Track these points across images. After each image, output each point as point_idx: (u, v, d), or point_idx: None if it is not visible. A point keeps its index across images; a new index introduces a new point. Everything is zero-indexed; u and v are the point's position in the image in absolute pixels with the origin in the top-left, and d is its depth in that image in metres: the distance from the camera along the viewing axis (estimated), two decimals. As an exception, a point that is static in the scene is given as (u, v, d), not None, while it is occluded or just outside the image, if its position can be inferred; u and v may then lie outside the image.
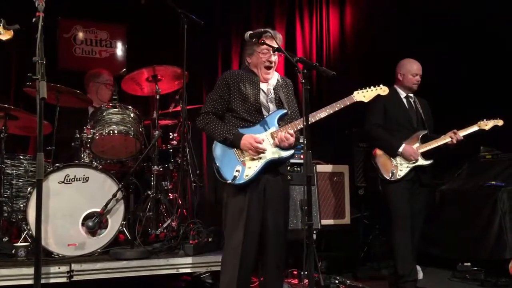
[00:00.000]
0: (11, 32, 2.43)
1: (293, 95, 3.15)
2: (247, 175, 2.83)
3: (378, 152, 3.92)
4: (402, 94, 4.03)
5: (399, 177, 3.80)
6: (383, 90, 3.07)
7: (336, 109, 2.90)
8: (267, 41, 2.86)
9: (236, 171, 2.83)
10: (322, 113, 2.88)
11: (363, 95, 2.99)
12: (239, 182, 2.83)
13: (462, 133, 3.85)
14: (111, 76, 4.60)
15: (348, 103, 2.94)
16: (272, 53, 2.93)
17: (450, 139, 3.82)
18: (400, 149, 3.80)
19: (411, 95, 4.04)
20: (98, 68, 4.77)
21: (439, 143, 3.85)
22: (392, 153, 3.84)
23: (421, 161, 3.82)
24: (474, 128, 3.89)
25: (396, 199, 3.81)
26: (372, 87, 3.04)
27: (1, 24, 2.36)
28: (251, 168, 2.85)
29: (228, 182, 2.83)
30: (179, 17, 3.86)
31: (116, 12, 5.41)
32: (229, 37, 5.90)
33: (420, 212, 3.90)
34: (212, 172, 5.20)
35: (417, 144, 3.85)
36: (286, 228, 3.01)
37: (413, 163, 3.80)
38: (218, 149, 2.93)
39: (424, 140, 3.88)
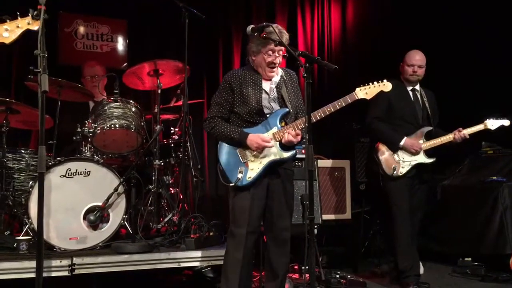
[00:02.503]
0: (39, 22, 2.39)
1: (298, 88, 3.13)
2: (249, 177, 2.87)
3: (381, 147, 3.87)
4: (408, 86, 3.94)
5: (400, 174, 3.77)
6: (386, 86, 2.99)
7: (338, 107, 2.89)
8: (270, 36, 2.84)
9: (240, 172, 2.87)
10: (323, 112, 2.87)
11: (365, 91, 2.94)
12: (242, 184, 2.87)
13: (468, 131, 3.77)
14: (102, 67, 4.57)
15: (350, 101, 2.91)
16: (277, 55, 2.92)
17: (454, 138, 3.75)
18: (402, 143, 3.75)
19: (417, 87, 3.95)
20: (89, 62, 4.70)
21: (443, 141, 3.78)
22: (393, 147, 3.79)
23: (424, 159, 3.78)
24: (480, 127, 3.82)
25: (396, 196, 3.79)
26: (375, 82, 2.98)
27: (29, 15, 2.33)
28: (254, 170, 2.88)
29: (231, 184, 2.87)
30: (180, 11, 3.85)
31: (117, 6, 5.40)
32: (230, 31, 5.89)
33: (419, 207, 3.88)
34: (213, 166, 5.23)
35: (421, 141, 3.81)
36: (290, 225, 3.03)
37: (416, 159, 3.75)
38: (223, 150, 2.96)
39: (429, 136, 3.83)
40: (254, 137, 2.87)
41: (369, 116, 3.89)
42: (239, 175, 2.86)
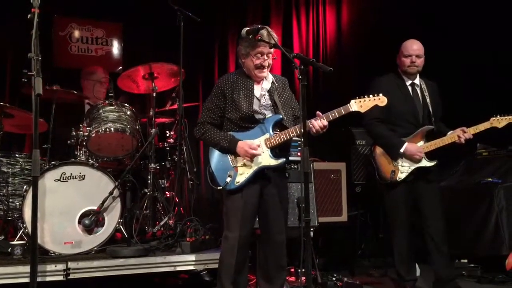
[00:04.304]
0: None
1: (290, 92, 3.13)
2: (238, 182, 2.87)
3: (378, 150, 3.68)
4: (407, 81, 3.67)
5: (399, 179, 3.56)
6: (381, 100, 2.96)
7: (331, 118, 2.89)
8: (264, 38, 2.85)
9: (228, 176, 2.87)
10: (316, 122, 2.85)
11: (360, 104, 2.94)
12: (230, 188, 2.88)
13: (473, 131, 3.52)
14: (106, 74, 4.59)
15: (344, 113, 2.91)
16: (266, 58, 2.93)
17: (458, 138, 3.51)
18: (402, 149, 3.51)
19: (417, 81, 3.69)
20: (92, 66, 4.75)
21: (445, 143, 3.53)
22: (394, 153, 3.56)
23: (425, 162, 3.54)
24: (486, 126, 3.54)
25: (393, 203, 3.64)
26: (370, 96, 2.96)
27: None
28: (243, 174, 2.89)
29: (219, 188, 2.88)
30: (176, 14, 3.85)
31: (112, 9, 5.39)
32: (226, 34, 5.89)
33: (433, 211, 3.61)
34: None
35: (421, 142, 3.57)
36: (285, 229, 3.03)
37: (416, 164, 3.53)
38: (215, 154, 2.97)
39: (430, 136, 3.58)
40: (243, 144, 2.87)
41: (367, 117, 3.60)
42: (228, 179, 2.86)
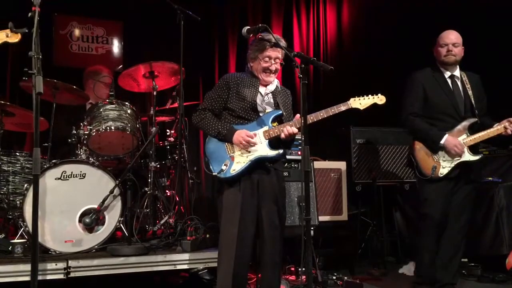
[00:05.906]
0: (19, 35, 2.41)
1: (291, 104, 3.18)
2: (234, 170, 2.88)
3: (417, 145, 3.49)
4: (446, 73, 3.49)
5: (441, 175, 3.35)
6: (380, 99, 2.96)
7: (331, 114, 2.92)
8: (265, 37, 2.86)
9: (224, 165, 2.89)
10: (315, 117, 2.89)
11: (359, 102, 2.96)
12: (226, 176, 2.88)
13: None
14: (111, 75, 4.58)
15: (343, 109, 2.94)
16: (273, 62, 2.97)
17: (504, 130, 3.30)
18: (442, 141, 3.31)
19: (457, 73, 3.51)
20: (98, 66, 4.74)
21: (491, 135, 3.31)
22: (433, 146, 3.37)
23: (468, 156, 3.33)
24: None
25: (430, 201, 3.42)
26: (369, 95, 2.97)
27: (8, 27, 2.35)
28: (239, 163, 2.90)
29: (214, 174, 2.90)
30: (176, 13, 3.85)
31: (112, 8, 5.40)
32: (226, 33, 5.89)
33: (463, 210, 3.47)
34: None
35: (464, 136, 3.36)
36: (282, 224, 3.02)
37: (458, 159, 3.34)
38: (211, 143, 3.00)
39: (473, 129, 3.38)
40: (240, 132, 2.89)
41: (405, 113, 3.49)
42: (223, 167, 2.88)
